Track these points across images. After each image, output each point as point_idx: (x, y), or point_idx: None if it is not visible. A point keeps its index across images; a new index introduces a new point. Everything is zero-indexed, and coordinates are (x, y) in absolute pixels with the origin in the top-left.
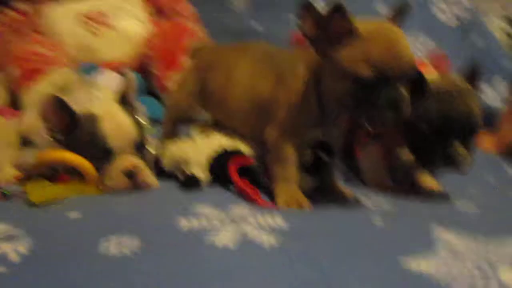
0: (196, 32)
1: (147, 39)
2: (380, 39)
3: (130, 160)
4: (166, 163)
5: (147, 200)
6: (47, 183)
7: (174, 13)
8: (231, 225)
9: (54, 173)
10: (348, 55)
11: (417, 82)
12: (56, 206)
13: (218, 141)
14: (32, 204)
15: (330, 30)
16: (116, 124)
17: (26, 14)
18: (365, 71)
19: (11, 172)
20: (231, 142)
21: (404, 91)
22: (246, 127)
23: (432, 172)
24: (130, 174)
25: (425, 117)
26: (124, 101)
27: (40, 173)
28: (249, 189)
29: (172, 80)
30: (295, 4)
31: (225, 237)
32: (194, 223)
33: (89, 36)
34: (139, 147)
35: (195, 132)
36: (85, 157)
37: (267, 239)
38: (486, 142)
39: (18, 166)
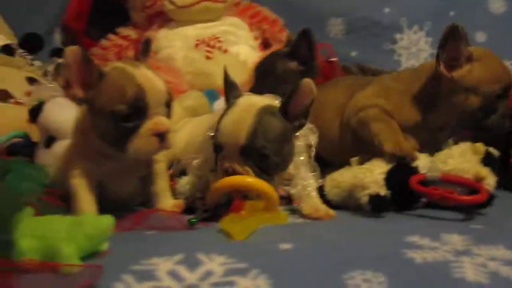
0: None
1: None
2: (493, 59)
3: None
4: (332, 193)
5: (355, 230)
6: (239, 217)
7: (277, 41)
8: (462, 257)
9: (229, 199)
10: (475, 75)
11: None
12: (263, 237)
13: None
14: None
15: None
16: (149, 78)
17: (128, 39)
18: (496, 87)
19: (170, 202)
20: None
21: None
22: None
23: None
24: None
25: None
26: None
27: (215, 200)
28: (445, 192)
29: None
30: None
31: (471, 272)
32: (424, 255)
33: (202, 60)
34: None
35: (354, 162)
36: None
37: None
38: None
39: (178, 194)
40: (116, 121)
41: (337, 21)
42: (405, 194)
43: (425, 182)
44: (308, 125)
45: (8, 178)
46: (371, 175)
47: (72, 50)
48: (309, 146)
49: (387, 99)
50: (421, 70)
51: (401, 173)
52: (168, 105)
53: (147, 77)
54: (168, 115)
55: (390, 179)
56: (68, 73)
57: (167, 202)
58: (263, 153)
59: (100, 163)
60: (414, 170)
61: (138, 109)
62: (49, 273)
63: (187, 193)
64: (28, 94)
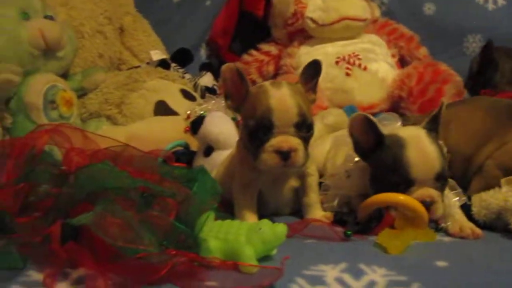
0: (452, 75)
1: (399, 81)
2: None
3: (428, 192)
4: (480, 214)
5: (507, 253)
6: (394, 232)
7: (413, 58)
8: None
9: (379, 214)
10: None
11: None
12: (418, 253)
13: None
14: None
15: None
16: (422, 152)
17: (269, 54)
18: None
19: (320, 214)
20: None
21: None
22: None
23: None
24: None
25: None
26: (431, 127)
27: (366, 214)
28: None
29: None
30: None
31: None
32: None
33: (342, 77)
34: (439, 178)
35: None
36: (382, 181)
37: None
38: None
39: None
40: (248, 133)
41: (475, 37)
42: None
43: None
44: None
45: (195, 188)
46: None
47: (228, 67)
48: None
49: None
50: None
51: None
52: (299, 126)
53: (281, 99)
54: (302, 136)
55: None
56: (225, 87)
57: (318, 213)
58: (448, 176)
59: (259, 173)
60: None
61: (264, 126)
62: (231, 271)
63: (335, 207)
64: None
